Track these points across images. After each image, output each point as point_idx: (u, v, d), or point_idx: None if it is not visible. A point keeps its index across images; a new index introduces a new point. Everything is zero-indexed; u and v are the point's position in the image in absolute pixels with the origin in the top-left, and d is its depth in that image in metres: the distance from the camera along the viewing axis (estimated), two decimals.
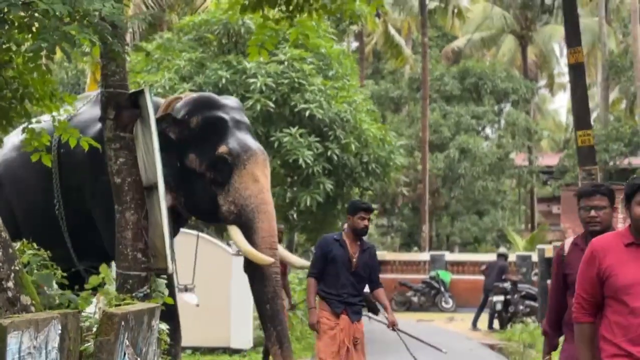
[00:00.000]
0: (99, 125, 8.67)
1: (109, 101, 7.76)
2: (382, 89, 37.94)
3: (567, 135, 47.80)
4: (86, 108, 9.60)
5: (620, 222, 10.25)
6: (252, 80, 15.25)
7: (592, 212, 5.19)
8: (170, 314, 8.27)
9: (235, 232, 8.71)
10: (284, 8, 8.15)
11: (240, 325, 13.84)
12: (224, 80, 15.24)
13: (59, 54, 6.38)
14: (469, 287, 26.84)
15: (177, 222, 9.17)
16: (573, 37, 10.91)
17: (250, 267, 8.80)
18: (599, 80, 37.06)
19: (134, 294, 7.46)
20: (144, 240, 7.81)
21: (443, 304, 26.56)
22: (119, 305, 6.60)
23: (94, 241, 9.23)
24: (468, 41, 39.11)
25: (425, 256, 29.89)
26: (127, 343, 5.89)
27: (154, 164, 7.83)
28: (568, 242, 5.37)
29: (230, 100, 9.55)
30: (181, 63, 15.60)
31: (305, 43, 14.17)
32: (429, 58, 35.16)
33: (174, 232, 9.00)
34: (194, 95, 9.53)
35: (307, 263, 10.33)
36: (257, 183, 8.73)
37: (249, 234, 8.63)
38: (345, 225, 9.55)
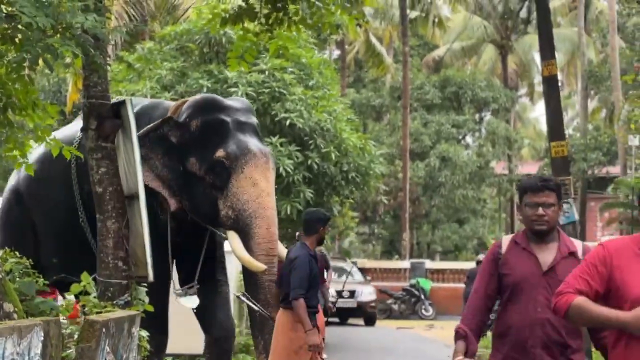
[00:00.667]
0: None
1: (91, 112, 7.87)
2: (364, 97, 38.16)
3: (547, 143, 48.12)
4: None
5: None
6: (233, 89, 15.38)
7: (540, 210, 4.59)
8: (155, 320, 8.38)
9: (232, 237, 8.62)
10: (263, 21, 8.29)
11: None
12: (205, 90, 15.36)
13: (41, 64, 6.49)
14: (449, 294, 27.06)
15: (182, 226, 9.03)
16: (547, 50, 11.12)
17: (246, 273, 8.80)
18: (579, 89, 37.40)
19: (114, 302, 7.57)
20: (125, 249, 7.92)
21: (423, 311, 26.77)
22: (100, 312, 6.73)
23: None
24: (448, 50, 39.39)
25: (405, 264, 30.10)
26: (108, 350, 6.01)
27: (135, 173, 7.95)
28: (506, 240, 4.78)
29: (237, 102, 9.41)
30: (163, 72, 15.72)
31: (285, 54, 14.33)
32: (410, 67, 35.40)
33: (178, 237, 8.97)
34: (198, 97, 9.47)
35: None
36: (255, 187, 8.59)
37: (246, 239, 8.53)
38: (299, 234, 9.66)
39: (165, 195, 8.82)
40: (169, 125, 8.83)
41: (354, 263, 27.27)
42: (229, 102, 9.24)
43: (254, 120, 9.22)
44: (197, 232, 9.12)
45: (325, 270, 11.93)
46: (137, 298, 7.97)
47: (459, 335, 4.70)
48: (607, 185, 30.89)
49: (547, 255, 4.61)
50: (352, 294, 24.03)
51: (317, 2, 8.29)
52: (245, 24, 8.58)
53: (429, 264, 30.51)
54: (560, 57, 44.80)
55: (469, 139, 39.69)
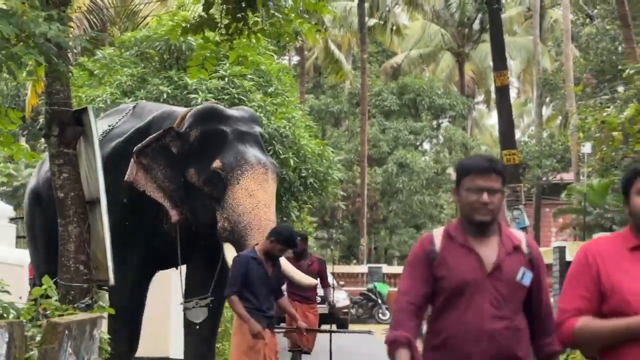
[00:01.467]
0: (125, 137, 9.04)
1: (53, 118, 8.00)
2: (323, 103, 38.42)
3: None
4: (122, 122, 9.65)
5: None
6: (193, 95, 15.51)
7: (485, 197, 3.75)
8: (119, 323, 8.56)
9: (228, 250, 8.49)
10: (223, 31, 8.47)
11: (180, 336, 14.05)
12: (165, 96, 15.47)
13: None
14: None
15: (187, 237, 8.89)
16: (499, 62, 11.45)
17: None
18: (534, 97, 37.96)
19: (76, 305, 7.71)
20: (86, 253, 8.06)
21: (380, 315, 27.03)
22: (62, 315, 6.87)
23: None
24: (406, 57, 39.81)
25: (363, 269, 30.35)
26: (70, 351, 6.16)
27: (96, 179, 8.10)
28: (438, 235, 3.90)
29: (239, 112, 9.28)
30: (123, 78, 15.81)
31: (244, 63, 14.52)
32: (369, 74, 35.72)
33: (187, 247, 8.91)
34: (201, 106, 9.39)
35: (315, 282, 10.31)
36: (251, 198, 8.44)
37: (241, 252, 8.30)
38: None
39: (167, 207, 8.74)
40: (170, 135, 8.77)
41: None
42: (231, 111, 9.15)
43: (256, 130, 9.11)
44: (210, 243, 8.99)
45: (321, 276, 12.03)
46: (98, 301, 8.11)
47: (399, 342, 3.76)
48: (561, 192, 31.40)
49: (489, 252, 3.80)
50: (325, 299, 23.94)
51: (276, 13, 8.50)
52: (206, 33, 8.75)
53: (386, 268, 30.80)
54: (516, 65, 45.53)
55: (426, 146, 40.13)
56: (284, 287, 10.11)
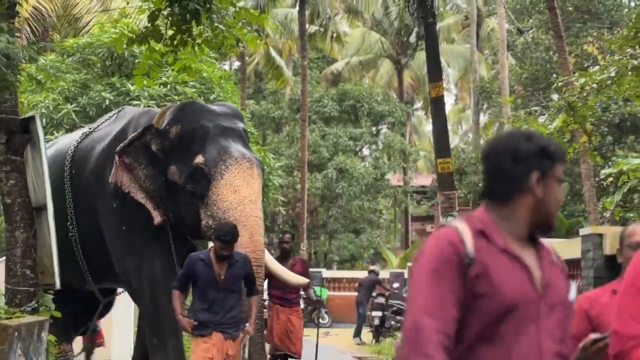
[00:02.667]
0: (107, 141, 8.93)
1: (1, 126, 8.18)
2: (264, 109, 38.64)
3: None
4: (104, 125, 9.53)
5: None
6: (135, 102, 15.66)
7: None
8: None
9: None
10: (168, 42, 8.74)
11: (121, 340, 14.23)
12: (107, 102, 15.61)
13: None
14: (344, 303, 27.68)
15: (176, 238, 8.60)
16: (434, 73, 11.87)
17: None
18: (472, 104, 38.66)
19: (22, 308, 7.90)
20: (32, 258, 8.25)
21: (320, 320, 27.32)
22: (10, 318, 7.06)
23: (109, 263, 8.87)
24: (347, 64, 40.27)
25: None
26: (20, 352, 6.38)
27: (43, 186, 8.29)
28: (465, 231, 2.65)
29: (221, 107, 8.92)
30: (65, 84, 15.92)
31: (188, 72, 14.75)
32: (309, 80, 36.05)
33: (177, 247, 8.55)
34: (181, 103, 9.12)
35: (306, 280, 10.05)
36: (236, 194, 8.04)
37: None
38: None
39: (149, 208, 8.40)
40: (150, 133, 8.45)
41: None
42: (212, 107, 8.84)
43: (239, 125, 8.71)
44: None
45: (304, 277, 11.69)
46: (43, 305, 8.31)
47: None
48: None
49: (532, 263, 2.71)
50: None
51: (219, 25, 8.79)
52: (152, 44, 8.99)
53: (325, 272, 31.15)
54: (454, 72, 46.32)
55: (365, 151, 40.57)
56: (265, 287, 9.94)
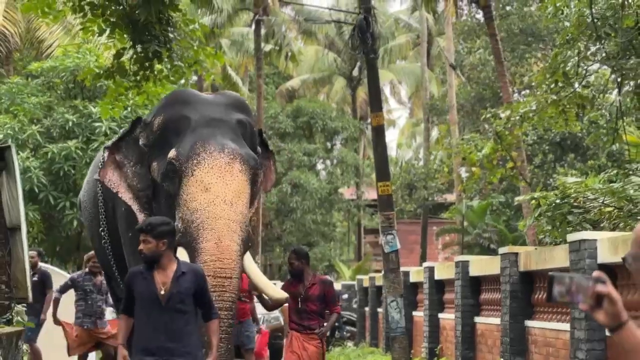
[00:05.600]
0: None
1: None
2: None
3: (397, 169, 50.59)
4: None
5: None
6: (97, 124, 16.46)
7: None
8: None
9: (181, 255, 6.52)
10: (132, 78, 9.62)
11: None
12: (70, 124, 16.39)
13: None
14: None
15: None
16: (375, 103, 12.79)
17: None
18: (423, 120, 39.77)
19: None
20: (7, 274, 9.05)
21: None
22: None
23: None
24: (302, 82, 41.24)
25: None
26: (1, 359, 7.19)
27: (17, 208, 9.10)
28: None
29: (217, 96, 7.95)
30: (29, 106, 16.66)
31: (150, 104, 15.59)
32: (265, 96, 36.88)
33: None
34: (173, 90, 8.57)
35: (285, 295, 8.22)
36: (207, 192, 6.90)
37: (192, 257, 6.76)
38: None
39: (134, 209, 7.51)
40: (139, 126, 7.67)
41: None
42: (205, 96, 7.87)
43: (234, 116, 7.49)
44: None
45: (326, 300, 8.96)
46: (17, 317, 9.11)
47: None
48: (445, 211, 33.18)
49: None
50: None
51: (178, 62, 9.70)
52: (117, 79, 9.87)
53: (279, 285, 31.90)
54: (407, 88, 47.53)
55: (319, 166, 41.46)
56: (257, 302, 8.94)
